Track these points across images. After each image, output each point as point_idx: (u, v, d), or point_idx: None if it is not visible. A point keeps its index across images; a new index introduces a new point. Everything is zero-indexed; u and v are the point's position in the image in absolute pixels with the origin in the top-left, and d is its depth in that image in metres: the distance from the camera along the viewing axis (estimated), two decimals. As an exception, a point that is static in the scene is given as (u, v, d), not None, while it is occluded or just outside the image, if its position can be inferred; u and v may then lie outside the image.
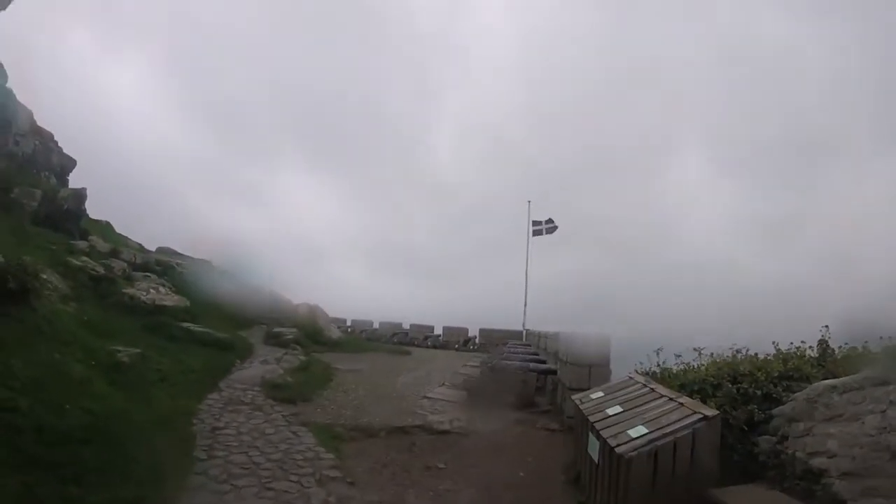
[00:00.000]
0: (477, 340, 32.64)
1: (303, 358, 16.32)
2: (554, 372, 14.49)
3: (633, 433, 6.54)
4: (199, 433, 9.25)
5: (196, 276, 23.45)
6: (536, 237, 32.63)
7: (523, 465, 9.31)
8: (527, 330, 31.41)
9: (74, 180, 24.65)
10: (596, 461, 7.03)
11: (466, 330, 33.41)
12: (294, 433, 9.96)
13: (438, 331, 34.05)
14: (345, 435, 10.23)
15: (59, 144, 24.53)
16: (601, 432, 6.87)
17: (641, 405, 7.44)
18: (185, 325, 15.95)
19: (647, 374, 9.87)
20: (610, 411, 7.60)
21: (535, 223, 32.67)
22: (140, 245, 27.66)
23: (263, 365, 15.03)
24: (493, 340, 31.64)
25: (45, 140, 23.55)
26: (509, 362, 15.47)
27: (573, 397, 9.30)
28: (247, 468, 8.12)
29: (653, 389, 7.95)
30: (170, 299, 18.24)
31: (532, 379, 14.47)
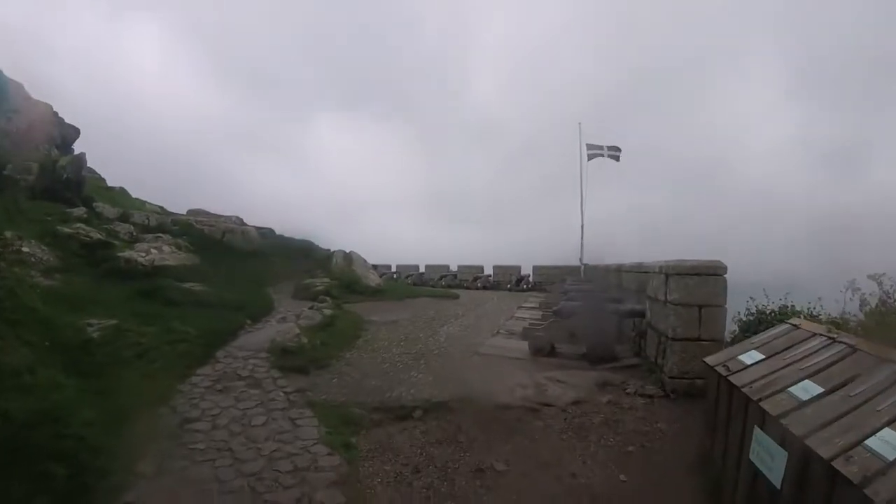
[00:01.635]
0: (531, 279, 29.46)
1: (329, 312, 13.36)
2: (641, 314, 11.20)
3: (878, 443, 3.25)
4: (161, 431, 6.56)
5: (222, 234, 20.83)
6: (594, 160, 28.99)
7: (624, 459, 6.16)
8: (585, 265, 28.15)
9: (92, 149, 22.75)
10: (776, 483, 3.95)
11: (519, 268, 30.31)
12: (293, 421, 7.07)
13: (489, 271, 30.97)
14: (364, 419, 7.25)
15: (60, 115, 22.19)
16: (798, 435, 3.75)
17: (860, 384, 4.10)
18: (188, 286, 13.48)
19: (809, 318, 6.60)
20: (798, 392, 4.28)
21: (590, 146, 28.86)
22: (161, 208, 25.28)
23: (280, 324, 12.29)
24: (549, 278, 28.65)
25: (42, 113, 21.18)
26: (578, 303, 12.14)
27: (708, 361, 5.93)
28: (206, 489, 5.16)
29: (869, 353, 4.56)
30: (174, 258, 15.72)
31: (613, 324, 11.16)
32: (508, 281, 29.29)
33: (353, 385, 8.50)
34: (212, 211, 27.22)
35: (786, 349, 5.30)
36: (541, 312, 17.57)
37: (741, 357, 5.51)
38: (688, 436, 6.58)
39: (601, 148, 28.96)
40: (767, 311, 9.50)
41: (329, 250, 24.36)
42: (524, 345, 11.57)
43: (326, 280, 18.74)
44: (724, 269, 8.39)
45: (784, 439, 3.86)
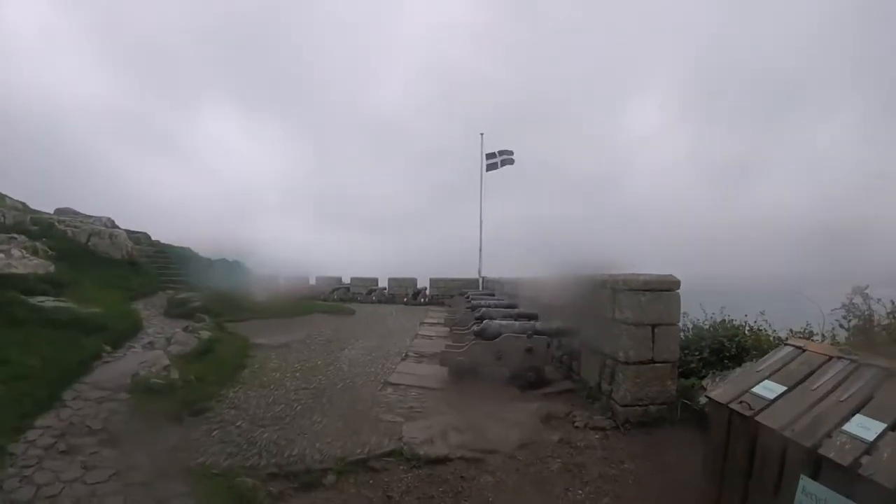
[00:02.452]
0: (428, 292, 27.88)
1: (208, 334, 11.17)
2: (564, 332, 9.99)
3: None
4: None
5: (87, 237, 17.99)
6: (491, 172, 28.02)
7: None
8: (484, 277, 27.01)
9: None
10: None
11: (415, 281, 28.65)
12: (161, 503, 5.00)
13: (383, 283, 29.15)
14: (258, 492, 5.32)
15: None
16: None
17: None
18: (39, 300, 11.03)
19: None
20: (858, 431, 3.14)
21: (488, 156, 27.97)
22: (23, 204, 21.79)
23: (146, 351, 10.03)
24: (446, 291, 27.26)
25: None
26: (500, 322, 10.66)
27: (711, 396, 4.59)
28: None
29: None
30: (24, 265, 12.97)
31: (542, 346, 9.75)
32: (405, 294, 27.63)
33: (239, 439, 6.47)
34: (82, 211, 23.90)
35: (806, 377, 4.27)
36: (447, 329, 16.12)
37: (757, 390, 4.33)
38: (663, 477, 5.26)
39: (494, 155, 28.14)
40: (706, 328, 8.59)
41: (210, 259, 21.76)
42: (439, 370, 9.99)
43: (205, 294, 16.37)
44: (678, 283, 7.53)
45: (856, 491, 3.04)
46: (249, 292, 18.03)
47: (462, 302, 21.69)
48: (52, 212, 22.69)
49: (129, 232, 21.46)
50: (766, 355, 5.15)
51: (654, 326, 7.35)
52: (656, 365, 7.31)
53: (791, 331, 7.25)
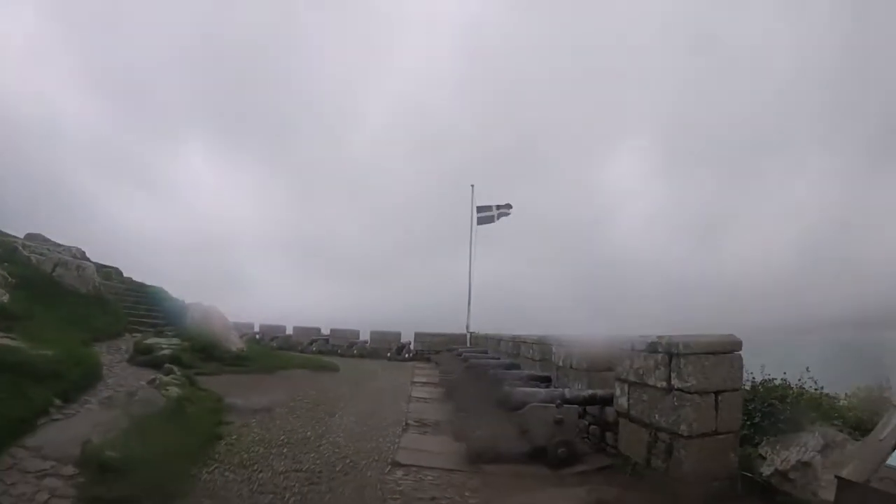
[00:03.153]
0: (412, 347, 26.26)
1: (177, 391, 9.51)
2: (606, 400, 8.74)
3: None
4: None
5: (53, 266, 16.17)
6: (484, 225, 26.93)
7: None
8: (472, 333, 25.57)
9: None
10: None
11: (399, 334, 27.08)
12: None
13: (365, 336, 27.49)
14: None
15: None
16: None
17: None
18: None
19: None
20: None
21: (481, 209, 26.84)
22: (-18, 230, 19.91)
23: (103, 409, 8.34)
24: (432, 346, 25.84)
25: None
26: (524, 390, 9.22)
27: (843, 475, 3.99)
28: None
29: None
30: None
31: (573, 416, 8.44)
32: (388, 348, 25.99)
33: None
34: (53, 238, 21.96)
35: None
36: (441, 389, 14.60)
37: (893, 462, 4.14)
38: None
39: (490, 209, 27.09)
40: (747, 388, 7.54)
41: (184, 301, 19.94)
42: (449, 444, 8.56)
43: (176, 341, 14.60)
44: (740, 344, 6.90)
45: None
46: (224, 341, 16.36)
47: (452, 359, 20.25)
48: (21, 236, 20.81)
49: (99, 266, 19.57)
50: (881, 422, 4.87)
51: (717, 393, 6.58)
52: (719, 436, 6.54)
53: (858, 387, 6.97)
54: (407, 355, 25.31)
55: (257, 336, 28.11)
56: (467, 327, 25.88)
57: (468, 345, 24.65)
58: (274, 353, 20.16)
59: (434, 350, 25.28)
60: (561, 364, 11.70)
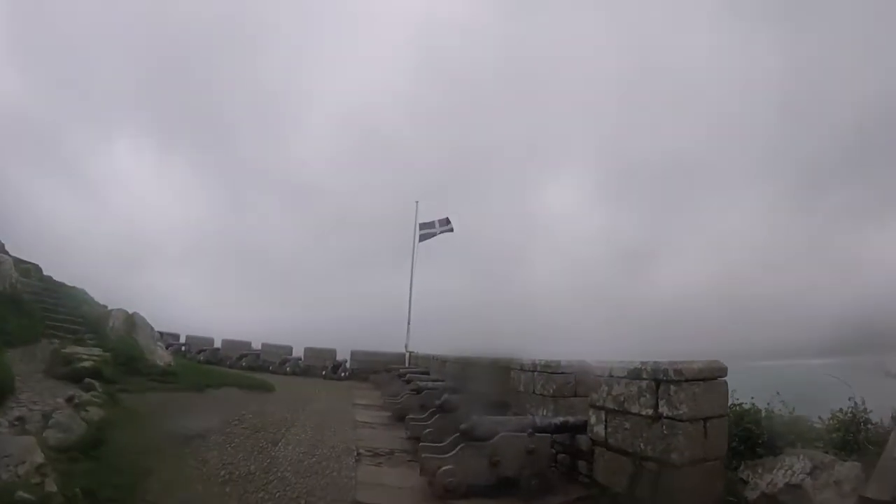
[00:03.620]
0: (348, 365, 25.13)
1: (99, 414, 8.33)
2: (578, 428, 8.24)
3: None
4: None
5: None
6: (425, 241, 26.21)
7: None
8: (412, 352, 24.67)
9: None
10: None
11: (334, 352, 25.92)
12: None
13: (298, 352, 26.21)
14: None
15: None
16: None
17: None
18: None
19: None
20: None
21: (423, 225, 26.15)
22: None
23: (13, 434, 7.13)
24: (369, 366, 24.80)
25: None
26: (491, 418, 8.45)
27: (868, 495, 4.70)
28: None
29: None
30: None
31: (546, 445, 7.90)
32: (323, 366, 24.80)
33: None
34: None
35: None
36: (387, 413, 13.71)
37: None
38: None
39: (433, 224, 26.45)
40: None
41: (107, 307, 18.15)
42: (410, 475, 7.81)
43: (98, 352, 13.13)
44: (726, 370, 6.75)
45: None
46: (150, 353, 15.01)
47: (393, 380, 19.33)
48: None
49: (17, 260, 17.58)
50: (891, 441, 5.14)
51: (705, 420, 6.37)
52: (708, 463, 6.35)
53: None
54: (343, 374, 24.19)
55: (183, 348, 26.47)
56: (406, 346, 24.96)
57: (407, 365, 23.77)
58: (203, 368, 18.76)
59: (371, 370, 24.29)
60: (522, 389, 10.99)
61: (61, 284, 19.46)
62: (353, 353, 25.60)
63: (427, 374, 19.34)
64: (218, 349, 26.77)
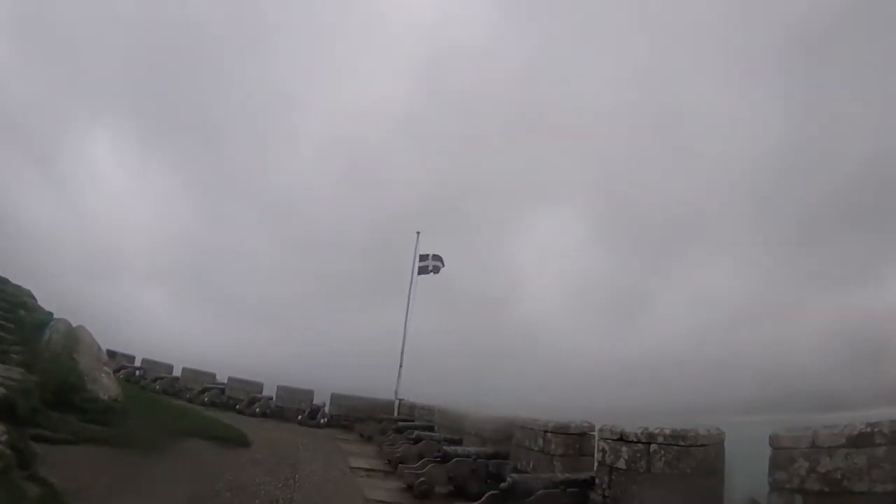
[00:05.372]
0: (327, 410, 21.18)
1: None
2: (590, 483, 8.22)
3: None
4: None
5: None
6: (423, 275, 22.82)
7: None
8: (401, 400, 20.95)
9: None
10: None
11: (311, 394, 21.90)
12: None
13: (269, 390, 22.17)
14: None
15: None
16: None
17: None
18: None
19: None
20: None
21: (423, 258, 22.77)
22: None
23: None
24: (352, 412, 20.90)
25: None
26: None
27: None
28: None
29: None
30: None
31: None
32: (298, 410, 20.80)
33: None
34: None
35: None
36: (400, 483, 10.52)
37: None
38: None
39: (427, 258, 23.18)
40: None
41: (51, 315, 14.13)
42: None
43: (19, 374, 9.24)
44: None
45: None
46: (91, 381, 11.22)
47: (387, 432, 15.88)
48: None
49: None
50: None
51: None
52: None
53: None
54: (322, 420, 20.21)
55: (138, 373, 22.43)
56: (396, 393, 21.22)
57: (396, 413, 20.11)
58: (158, 403, 14.84)
59: (355, 417, 20.54)
60: (529, 445, 10.67)
61: (3, 280, 15.40)
62: (333, 397, 21.61)
63: (432, 428, 15.90)
64: (177, 378, 22.74)
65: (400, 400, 20.99)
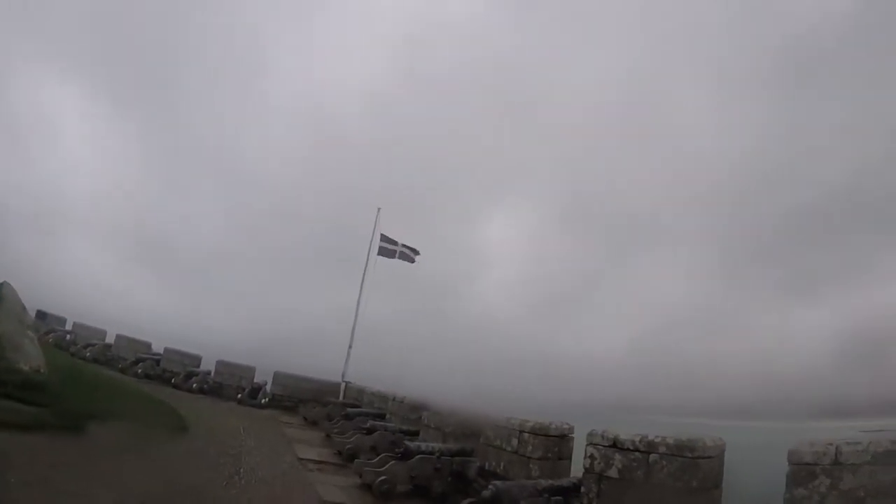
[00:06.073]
0: (269, 390, 19.91)
1: None
2: (576, 490, 7.63)
3: None
4: None
5: None
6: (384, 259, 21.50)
7: None
8: (347, 383, 19.85)
9: None
10: None
11: (253, 371, 20.55)
12: None
13: (208, 364, 20.74)
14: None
15: None
16: None
17: None
18: None
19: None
20: None
21: (385, 239, 21.42)
22: None
23: None
24: (295, 393, 19.77)
25: None
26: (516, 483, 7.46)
27: None
28: None
29: None
30: None
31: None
32: (238, 387, 19.46)
33: None
34: None
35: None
36: (356, 478, 9.56)
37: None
38: None
39: (395, 244, 21.85)
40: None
41: None
42: None
43: None
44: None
45: None
46: (12, 349, 9.84)
47: (335, 417, 14.95)
48: None
49: None
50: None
51: None
52: None
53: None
54: (263, 400, 18.95)
55: (68, 337, 20.74)
56: (343, 375, 20.10)
57: (341, 397, 19.06)
58: (88, 375, 13.39)
59: (298, 398, 19.41)
60: (500, 445, 9.87)
61: None
62: (276, 376, 20.31)
63: (383, 416, 14.97)
64: (110, 346, 21.08)
65: (347, 383, 19.90)
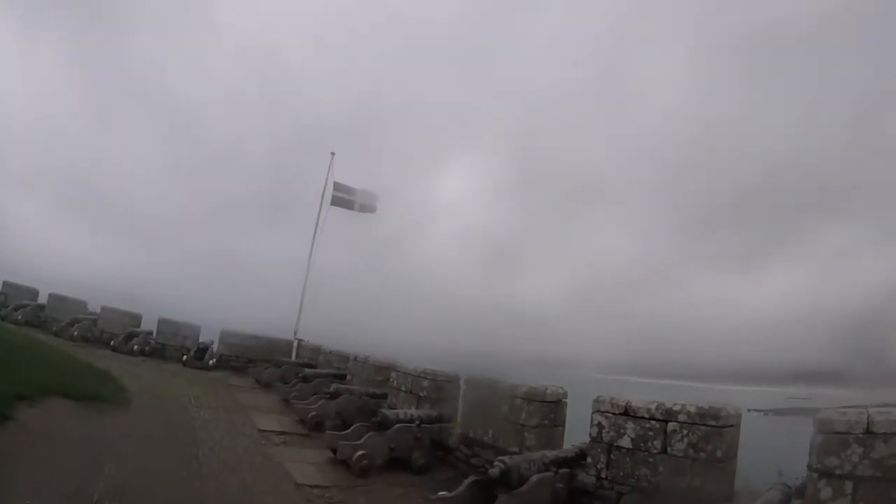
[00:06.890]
0: (216, 350, 18.58)
1: None
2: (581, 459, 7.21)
3: None
4: None
5: None
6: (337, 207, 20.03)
7: None
8: (300, 341, 18.73)
9: None
10: None
11: (198, 329, 19.10)
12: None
13: (150, 324, 19.17)
14: None
15: None
16: None
17: None
18: None
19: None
20: None
21: (339, 187, 19.98)
22: None
23: None
24: (244, 352, 18.54)
25: None
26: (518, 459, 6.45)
27: None
28: None
29: None
30: None
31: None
32: (183, 347, 18.08)
33: None
34: None
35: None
36: (328, 454, 8.51)
37: None
38: None
39: (353, 192, 20.48)
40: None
41: None
42: None
43: None
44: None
45: None
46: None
47: (291, 378, 14.20)
48: None
49: None
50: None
51: None
52: None
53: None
54: (210, 362, 17.66)
55: (-1, 298, 18.96)
56: (295, 333, 18.95)
57: (294, 356, 17.98)
58: (18, 339, 11.88)
59: (247, 358, 18.20)
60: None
61: None
62: (223, 334, 18.96)
63: (343, 377, 14.01)
64: (42, 307, 19.25)
65: (299, 341, 18.79)
